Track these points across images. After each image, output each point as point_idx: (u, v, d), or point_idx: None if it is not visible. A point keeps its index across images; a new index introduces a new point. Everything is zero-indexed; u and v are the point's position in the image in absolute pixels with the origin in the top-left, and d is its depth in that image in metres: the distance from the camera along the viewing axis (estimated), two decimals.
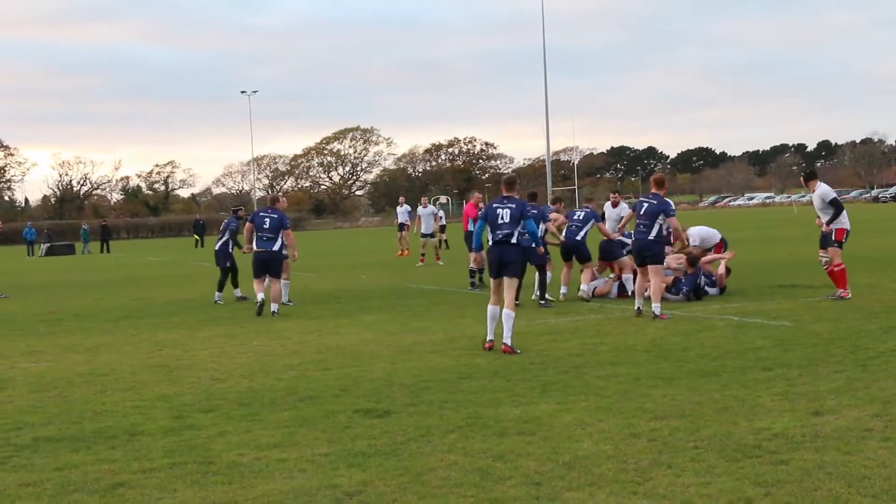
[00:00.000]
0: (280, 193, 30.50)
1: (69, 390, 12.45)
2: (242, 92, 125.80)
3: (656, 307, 16.82)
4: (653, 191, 17.82)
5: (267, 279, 20.61)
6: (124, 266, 49.40)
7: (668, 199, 17.88)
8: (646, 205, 17.45)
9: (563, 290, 20.58)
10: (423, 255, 35.95)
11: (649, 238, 17.18)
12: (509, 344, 13.70)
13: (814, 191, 19.00)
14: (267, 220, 20.84)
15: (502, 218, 14.21)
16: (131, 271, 43.52)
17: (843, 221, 18.67)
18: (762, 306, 17.80)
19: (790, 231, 43.86)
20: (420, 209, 38.21)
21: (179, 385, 12.47)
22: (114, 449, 9.07)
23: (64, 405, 11.42)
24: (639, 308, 17.25)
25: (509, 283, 14.04)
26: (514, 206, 14.28)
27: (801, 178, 20.25)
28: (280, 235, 20.67)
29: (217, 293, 24.23)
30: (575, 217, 20.98)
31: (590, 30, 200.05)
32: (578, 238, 20.44)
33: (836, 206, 18.61)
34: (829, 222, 18.54)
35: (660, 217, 17.01)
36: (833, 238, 18.47)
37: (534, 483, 7.30)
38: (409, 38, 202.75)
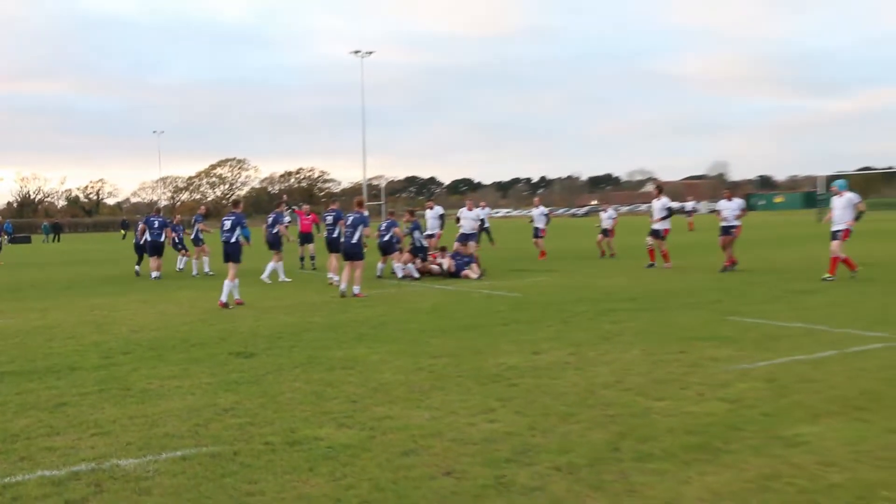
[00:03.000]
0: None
1: (27, 338, 11.89)
2: (154, 132, 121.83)
3: (356, 288, 16.24)
4: (357, 209, 16.93)
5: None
6: (68, 252, 46.99)
7: (367, 215, 16.92)
8: (351, 217, 16.66)
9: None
10: None
11: (352, 242, 16.46)
12: (224, 301, 15.21)
13: (840, 195, 16.85)
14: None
15: (225, 226, 15.89)
16: (73, 256, 41.43)
17: (851, 223, 16.82)
18: (504, 284, 18.08)
19: (522, 234, 44.92)
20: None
21: (107, 335, 11.99)
22: (59, 379, 8.71)
23: (23, 349, 10.91)
24: (343, 292, 16.32)
25: (233, 266, 15.57)
26: (234, 217, 15.87)
27: (833, 188, 17.47)
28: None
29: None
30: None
31: (392, 94, 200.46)
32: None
33: (858, 213, 16.99)
34: (856, 218, 16.87)
35: (360, 226, 16.44)
36: (841, 235, 16.65)
37: (352, 401, 7.32)
38: (266, 95, 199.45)
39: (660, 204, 21.13)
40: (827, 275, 16.50)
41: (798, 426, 6.06)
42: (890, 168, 64.78)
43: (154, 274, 22.69)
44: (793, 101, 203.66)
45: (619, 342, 9.88)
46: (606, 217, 26.64)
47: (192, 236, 24.42)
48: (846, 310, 12.03)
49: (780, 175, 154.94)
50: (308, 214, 24.41)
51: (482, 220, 23.47)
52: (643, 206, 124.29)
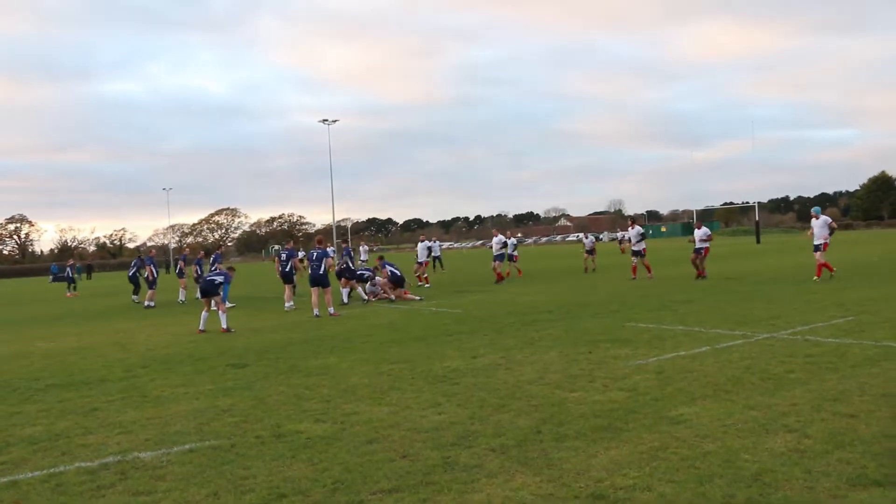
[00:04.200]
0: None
1: (66, 357, 11.73)
2: (163, 188, 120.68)
3: (331, 309, 16.00)
4: (318, 246, 16.65)
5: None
6: (98, 287, 46.22)
7: (328, 250, 16.76)
8: (316, 253, 16.47)
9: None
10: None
11: (320, 273, 16.24)
12: (225, 327, 14.23)
13: (817, 218, 17.17)
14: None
15: (208, 266, 15.30)
16: (102, 290, 40.68)
17: (828, 238, 17.12)
18: (448, 301, 18.09)
19: (460, 262, 45.09)
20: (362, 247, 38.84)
21: (128, 353, 11.81)
22: (91, 389, 8.62)
23: (63, 366, 10.76)
24: (317, 314, 15.84)
25: (215, 300, 14.59)
26: (215, 260, 15.57)
27: (812, 213, 17.72)
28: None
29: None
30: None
31: (353, 152, 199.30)
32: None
33: (831, 230, 17.21)
34: (830, 233, 17.17)
35: (325, 259, 16.27)
36: (822, 247, 17.16)
37: (325, 401, 7.28)
38: (253, 156, 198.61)
39: (635, 231, 22.24)
40: (815, 277, 17.19)
41: (680, 408, 6.21)
42: (746, 202, 66.72)
43: (146, 303, 22.27)
44: (668, 151, 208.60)
45: (540, 346, 9.95)
46: (588, 242, 28.52)
47: (177, 271, 24.64)
48: (716, 314, 12.36)
49: (663, 209, 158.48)
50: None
51: (505, 244, 24.73)
52: (558, 238, 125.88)
